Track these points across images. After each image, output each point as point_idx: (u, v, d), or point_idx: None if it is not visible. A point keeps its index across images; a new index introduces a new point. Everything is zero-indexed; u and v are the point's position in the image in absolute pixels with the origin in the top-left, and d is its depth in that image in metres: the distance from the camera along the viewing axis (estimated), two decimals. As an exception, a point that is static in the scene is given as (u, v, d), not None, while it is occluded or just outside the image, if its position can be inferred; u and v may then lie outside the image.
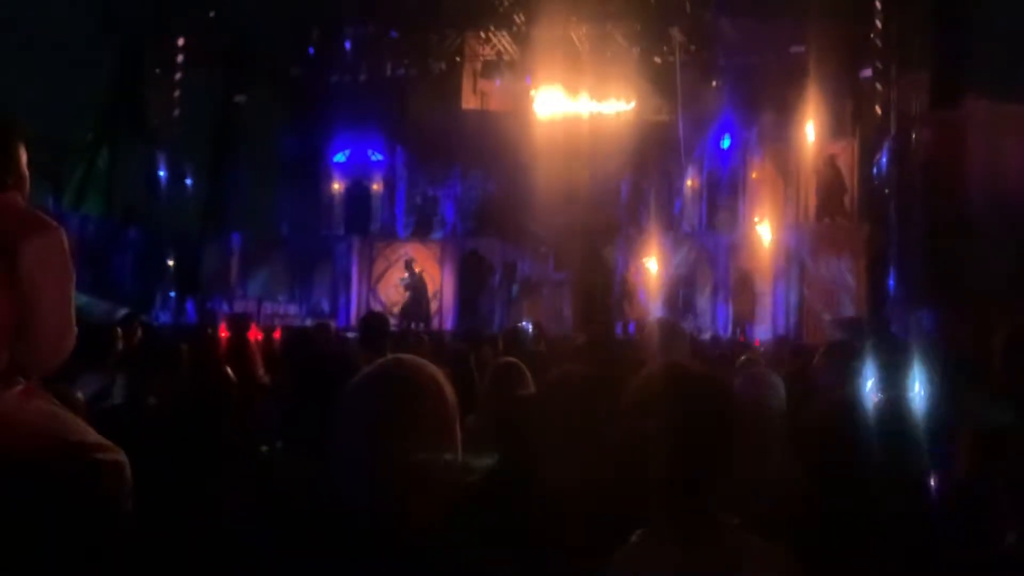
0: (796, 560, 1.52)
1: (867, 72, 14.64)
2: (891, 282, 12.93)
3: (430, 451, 1.51)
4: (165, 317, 16.05)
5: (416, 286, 17.61)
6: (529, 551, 1.74)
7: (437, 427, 1.53)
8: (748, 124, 16.79)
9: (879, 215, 13.92)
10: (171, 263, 17.86)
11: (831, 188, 15.87)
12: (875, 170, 14.19)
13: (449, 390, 1.58)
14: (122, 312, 10.85)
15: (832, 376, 4.54)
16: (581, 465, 2.00)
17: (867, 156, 14.85)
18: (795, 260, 15.50)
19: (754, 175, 16.99)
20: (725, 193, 17.58)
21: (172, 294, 17.52)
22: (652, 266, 16.86)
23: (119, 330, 6.16)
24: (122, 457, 1.81)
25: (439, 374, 1.60)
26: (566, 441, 2.05)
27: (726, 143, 17.44)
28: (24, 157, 1.90)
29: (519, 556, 1.69)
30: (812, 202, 16.09)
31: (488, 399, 2.82)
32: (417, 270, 17.80)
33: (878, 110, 14.16)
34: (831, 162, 15.76)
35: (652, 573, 1.50)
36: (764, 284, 16.00)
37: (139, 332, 6.29)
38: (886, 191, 13.56)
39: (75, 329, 1.87)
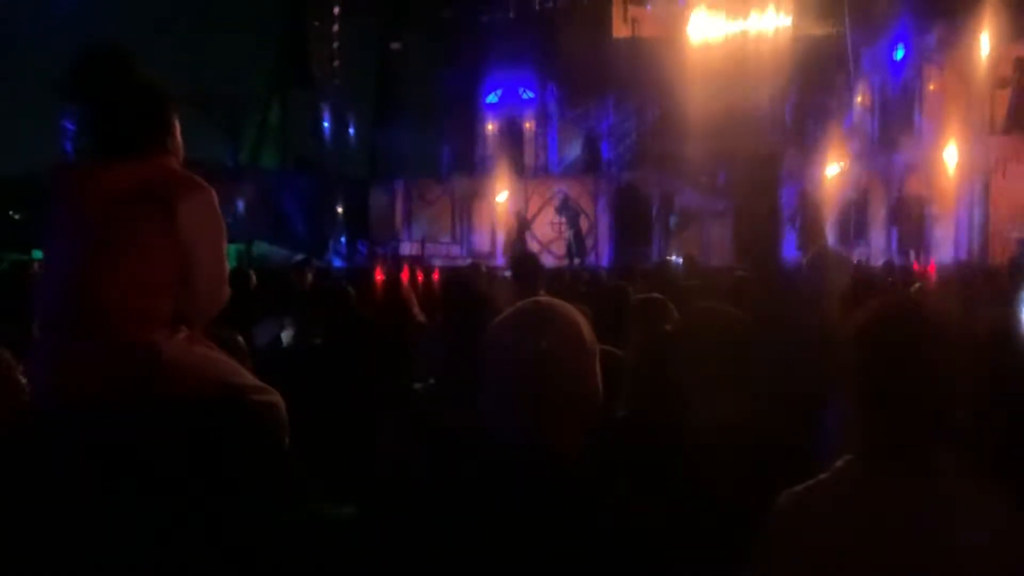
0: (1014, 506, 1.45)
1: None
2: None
3: (568, 388, 1.55)
4: (338, 261, 16.97)
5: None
6: (671, 485, 1.75)
7: (575, 365, 1.57)
8: (924, 31, 15.41)
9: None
10: (340, 209, 18.76)
11: (1021, 95, 14.41)
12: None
13: (587, 329, 1.61)
14: (298, 257, 11.58)
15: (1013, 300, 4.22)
16: (723, 404, 1.98)
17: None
18: (980, 176, 14.27)
19: (932, 87, 15.64)
20: (900, 108, 16.34)
21: (343, 239, 18.46)
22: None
23: (292, 275, 6.61)
24: (277, 398, 1.98)
25: (576, 313, 1.63)
26: (707, 379, 2.03)
27: (899, 54, 16.13)
28: (178, 126, 2.08)
29: (662, 489, 1.71)
30: (999, 113, 14.67)
31: (631, 334, 2.84)
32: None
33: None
34: (1020, 66, 14.29)
35: (856, 505, 1.47)
36: (946, 204, 14.84)
37: (310, 276, 6.72)
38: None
39: (228, 280, 2.04)
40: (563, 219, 17.97)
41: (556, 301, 1.67)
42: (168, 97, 2.04)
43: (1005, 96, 14.63)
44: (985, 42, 14.08)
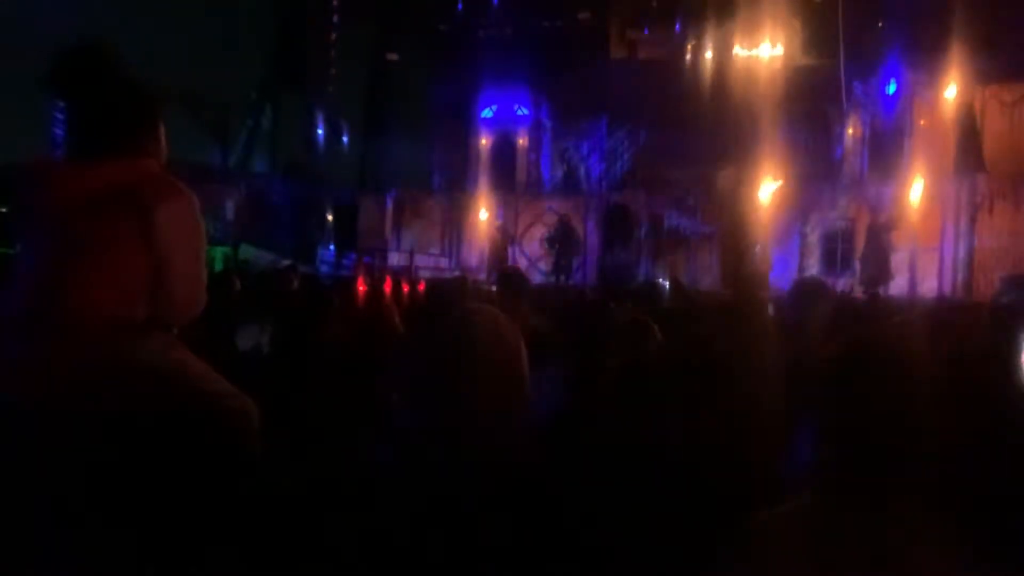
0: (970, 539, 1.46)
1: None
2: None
3: (493, 396, 1.57)
4: (325, 269, 16.93)
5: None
6: (641, 501, 1.76)
7: (499, 374, 1.59)
8: (917, 67, 15.61)
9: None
10: (329, 216, 18.73)
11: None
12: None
13: (514, 338, 1.62)
14: (284, 264, 11.53)
15: (995, 340, 4.24)
16: (696, 425, 1.99)
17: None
18: (967, 212, 14.43)
19: (922, 122, 15.85)
20: (890, 141, 16.52)
21: (331, 246, 18.42)
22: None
23: (277, 280, 6.58)
24: (250, 405, 1.96)
25: (504, 321, 1.65)
26: (683, 401, 2.05)
27: (891, 88, 16.32)
28: (163, 128, 2.06)
29: (631, 504, 1.71)
30: (988, 149, 14.91)
31: (616, 353, 2.85)
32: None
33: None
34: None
35: (819, 536, 1.47)
36: (931, 238, 14.99)
37: (296, 283, 6.68)
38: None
39: (205, 286, 2.02)
40: (555, 238, 17.96)
41: (485, 308, 1.69)
42: (153, 98, 2.02)
43: (995, 134, 14.88)
44: (977, 81, 14.33)
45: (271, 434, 1.99)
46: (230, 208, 15.95)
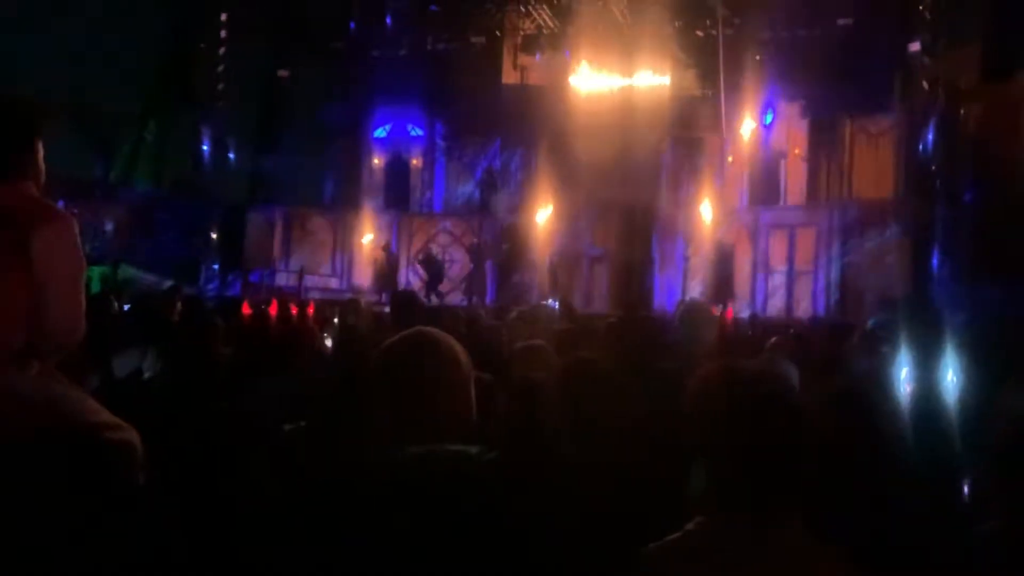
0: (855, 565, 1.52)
1: (915, 45, 14.30)
2: (935, 261, 12.71)
3: (447, 408, 1.61)
4: (210, 290, 16.39)
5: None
6: (538, 528, 1.78)
7: (454, 387, 1.64)
8: (792, 99, 16.53)
9: (925, 191, 13.66)
10: (215, 235, 18.16)
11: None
12: (921, 146, 13.90)
13: (464, 356, 1.68)
14: (167, 284, 11.10)
15: (867, 361, 4.47)
16: (593, 453, 2.04)
17: (914, 131, 14.56)
18: (837, 237, 15.30)
19: (796, 151, 16.77)
20: (767, 169, 17.36)
21: (216, 265, 17.84)
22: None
23: (159, 303, 6.35)
24: (132, 436, 1.89)
25: (454, 342, 1.70)
26: (578, 428, 2.09)
27: (768, 118, 17.18)
28: (42, 151, 1.97)
29: (529, 531, 1.74)
30: (856, 178, 15.89)
31: (509, 379, 2.87)
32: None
33: (925, 84, 13.85)
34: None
35: (705, 564, 1.50)
36: (806, 262, 15.83)
37: (179, 305, 6.46)
38: (933, 167, 13.30)
39: (84, 314, 1.94)
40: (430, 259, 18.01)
41: (435, 330, 1.74)
42: (32, 115, 1.94)
43: (863, 164, 15.87)
44: (846, 113, 15.28)
45: (154, 464, 1.92)
46: (110, 225, 15.25)
